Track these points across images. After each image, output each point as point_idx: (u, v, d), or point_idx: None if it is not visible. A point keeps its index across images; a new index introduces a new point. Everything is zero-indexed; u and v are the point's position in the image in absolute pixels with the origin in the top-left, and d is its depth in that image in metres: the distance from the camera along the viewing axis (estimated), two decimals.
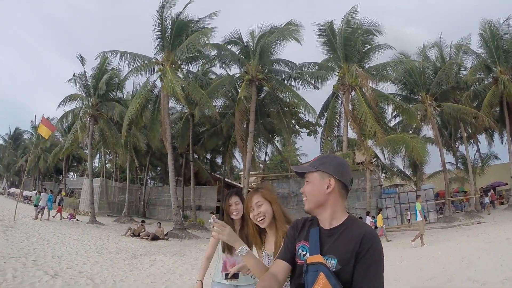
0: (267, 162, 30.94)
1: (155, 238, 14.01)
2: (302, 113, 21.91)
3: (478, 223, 16.58)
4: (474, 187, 22.02)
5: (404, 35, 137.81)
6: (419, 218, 11.48)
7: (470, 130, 23.35)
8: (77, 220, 18.74)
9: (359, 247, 1.22)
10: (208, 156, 29.09)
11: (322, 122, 21.28)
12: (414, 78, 21.28)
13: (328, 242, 1.31)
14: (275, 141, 27.12)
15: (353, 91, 18.26)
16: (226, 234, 1.51)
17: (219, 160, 29.77)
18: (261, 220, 1.90)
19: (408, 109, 18.87)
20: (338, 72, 19.09)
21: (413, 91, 22.29)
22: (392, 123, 22.26)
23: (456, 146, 25.63)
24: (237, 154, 26.44)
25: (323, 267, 1.23)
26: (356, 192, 21.14)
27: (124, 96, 24.76)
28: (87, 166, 26.80)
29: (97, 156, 37.18)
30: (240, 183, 36.09)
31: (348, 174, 1.40)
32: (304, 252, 1.35)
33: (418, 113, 19.44)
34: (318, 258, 1.27)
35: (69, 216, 19.15)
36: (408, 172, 20.91)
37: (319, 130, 22.61)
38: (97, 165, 40.11)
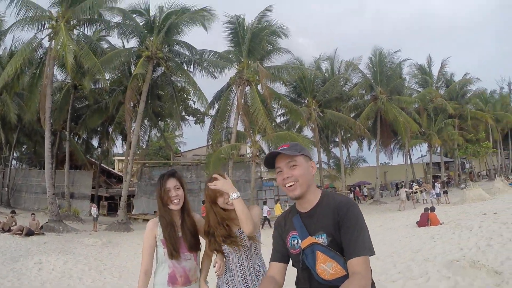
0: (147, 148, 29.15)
1: (29, 233, 11.94)
2: (192, 100, 21.55)
3: None
4: (344, 184, 25.68)
5: (296, 44, 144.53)
6: None
7: (343, 136, 27.14)
8: None
9: (338, 216, 1.32)
10: (84, 136, 25.86)
11: (212, 112, 21.41)
12: (304, 84, 23.59)
13: (311, 222, 1.39)
14: (159, 126, 25.92)
15: (249, 86, 18.96)
16: (220, 183, 1.81)
17: (95, 143, 26.84)
18: (230, 203, 1.91)
19: (297, 109, 20.68)
20: (237, 66, 19.49)
21: (301, 95, 24.68)
22: (277, 121, 24.05)
23: (330, 148, 29.51)
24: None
25: (317, 245, 1.33)
26: (237, 183, 21.92)
27: (0, 53, 20.07)
28: None
29: None
30: (114, 169, 33.61)
31: None
32: (296, 241, 1.42)
33: (303, 115, 21.46)
34: (309, 240, 1.36)
35: None
36: None
37: (207, 119, 22.58)
38: None
